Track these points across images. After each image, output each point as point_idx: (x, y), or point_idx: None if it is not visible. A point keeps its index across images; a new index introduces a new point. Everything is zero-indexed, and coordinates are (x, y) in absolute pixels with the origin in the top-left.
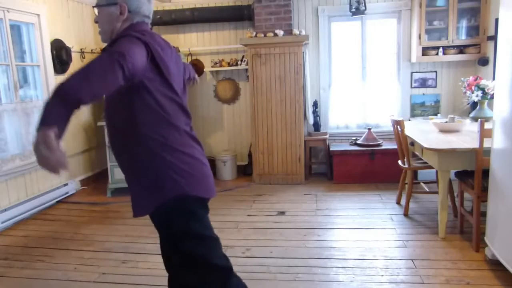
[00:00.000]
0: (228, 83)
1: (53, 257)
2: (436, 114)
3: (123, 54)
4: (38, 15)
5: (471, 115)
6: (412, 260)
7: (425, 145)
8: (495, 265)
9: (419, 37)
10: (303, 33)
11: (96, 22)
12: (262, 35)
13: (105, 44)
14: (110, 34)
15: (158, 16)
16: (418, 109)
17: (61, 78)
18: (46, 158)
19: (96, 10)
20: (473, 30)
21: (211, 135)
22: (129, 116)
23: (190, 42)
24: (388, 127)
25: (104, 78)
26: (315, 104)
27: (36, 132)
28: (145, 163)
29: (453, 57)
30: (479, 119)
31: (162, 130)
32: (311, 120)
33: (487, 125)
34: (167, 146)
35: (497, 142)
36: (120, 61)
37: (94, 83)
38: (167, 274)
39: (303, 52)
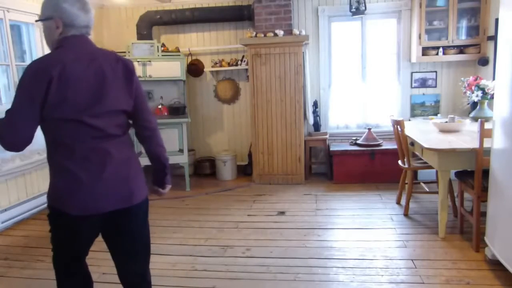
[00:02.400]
0: (228, 83)
1: None
2: (436, 114)
3: None
4: (38, 15)
5: (471, 115)
6: (412, 260)
7: (425, 145)
8: (495, 265)
9: (419, 37)
10: (303, 33)
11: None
12: (262, 35)
13: (103, 45)
14: (51, 45)
15: (158, 16)
16: (418, 109)
17: None
18: None
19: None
20: (473, 30)
21: (211, 135)
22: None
23: (190, 42)
24: (388, 127)
25: None
26: (315, 104)
27: None
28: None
29: (453, 57)
30: (479, 119)
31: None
32: (311, 120)
33: (487, 125)
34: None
35: (497, 142)
36: None
37: None
38: (167, 274)
39: (303, 52)
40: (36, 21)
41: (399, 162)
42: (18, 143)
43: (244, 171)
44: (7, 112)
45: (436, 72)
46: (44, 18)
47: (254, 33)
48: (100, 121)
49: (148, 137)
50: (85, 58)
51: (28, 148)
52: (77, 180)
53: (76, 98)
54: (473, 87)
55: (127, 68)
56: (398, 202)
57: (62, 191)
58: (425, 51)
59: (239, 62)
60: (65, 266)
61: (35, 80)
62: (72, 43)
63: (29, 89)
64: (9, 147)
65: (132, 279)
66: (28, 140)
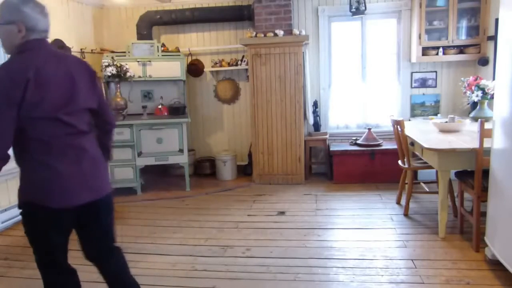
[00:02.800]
0: (228, 83)
1: None
2: (436, 114)
3: None
4: None
5: (471, 115)
6: (412, 260)
7: (425, 145)
8: (495, 265)
9: (419, 37)
10: (303, 33)
11: None
12: (262, 35)
13: (103, 45)
14: (11, 49)
15: (158, 16)
16: (418, 109)
17: None
18: None
19: None
20: (473, 30)
21: (211, 135)
22: None
23: (190, 42)
24: (388, 127)
25: None
26: (315, 104)
27: None
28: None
29: (453, 57)
30: (479, 119)
31: None
32: (311, 120)
33: (487, 125)
34: None
35: (497, 142)
36: None
37: None
38: (167, 274)
39: (303, 52)
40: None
41: (399, 162)
42: (5, 149)
43: (244, 171)
44: None
45: (436, 72)
46: (5, 22)
47: (254, 33)
48: (73, 118)
49: (109, 131)
50: (53, 61)
51: None
52: (57, 174)
53: (52, 97)
54: (473, 87)
55: (90, 70)
56: (398, 202)
57: (42, 185)
58: (425, 51)
59: (239, 62)
60: (51, 263)
61: (12, 84)
62: (37, 46)
63: (6, 93)
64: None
65: (100, 253)
66: (11, 143)
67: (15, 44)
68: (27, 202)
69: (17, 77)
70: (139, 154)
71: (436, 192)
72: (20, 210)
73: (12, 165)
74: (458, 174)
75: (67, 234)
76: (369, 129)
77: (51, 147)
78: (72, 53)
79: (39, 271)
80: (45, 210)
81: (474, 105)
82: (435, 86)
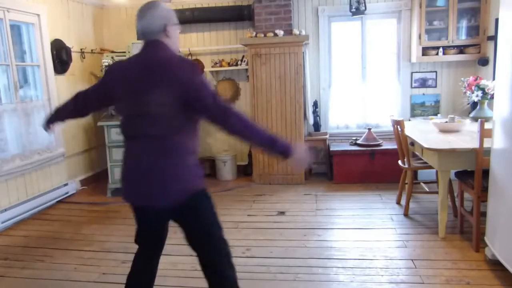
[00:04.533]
0: (228, 83)
1: (53, 257)
2: (436, 114)
3: None
4: (38, 15)
5: (471, 115)
6: (412, 260)
7: (425, 145)
8: (495, 265)
9: (419, 37)
10: (303, 33)
11: None
12: (262, 35)
13: (103, 45)
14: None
15: None
16: (418, 109)
17: (61, 78)
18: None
19: None
20: (473, 30)
21: (211, 135)
22: None
23: (190, 42)
24: (388, 127)
25: None
26: (315, 104)
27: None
28: None
29: (453, 57)
30: (479, 119)
31: None
32: (311, 120)
33: (487, 125)
34: None
35: (497, 142)
36: None
37: None
38: (167, 274)
39: (303, 52)
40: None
41: (399, 162)
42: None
43: (244, 171)
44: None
45: (436, 72)
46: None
47: (254, 33)
48: (142, 119)
49: (222, 124)
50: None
51: (28, 148)
52: (128, 171)
53: (126, 95)
54: (473, 87)
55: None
56: (398, 202)
57: (121, 179)
58: (425, 51)
59: (239, 62)
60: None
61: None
62: (137, 53)
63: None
64: None
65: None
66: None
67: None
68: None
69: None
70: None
71: (436, 192)
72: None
73: (12, 165)
74: (458, 174)
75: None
76: (369, 129)
77: (129, 142)
78: (72, 53)
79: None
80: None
81: (474, 105)
82: (435, 86)
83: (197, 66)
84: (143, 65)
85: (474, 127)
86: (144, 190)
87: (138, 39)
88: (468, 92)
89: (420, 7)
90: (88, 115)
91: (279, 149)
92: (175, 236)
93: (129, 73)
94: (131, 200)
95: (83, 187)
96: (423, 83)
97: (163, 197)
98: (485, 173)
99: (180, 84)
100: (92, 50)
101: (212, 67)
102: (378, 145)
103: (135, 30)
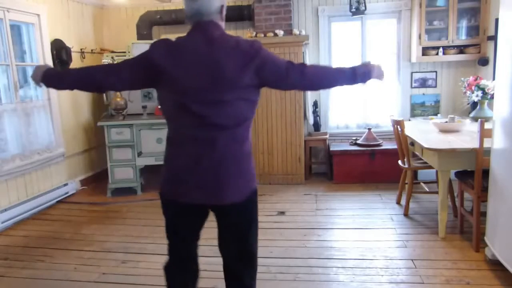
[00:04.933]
0: None
1: (53, 257)
2: (436, 114)
3: None
4: (38, 15)
5: (471, 115)
6: (412, 260)
7: (425, 145)
8: (495, 265)
9: (419, 37)
10: (303, 33)
11: None
12: (262, 35)
13: (103, 45)
14: None
15: (158, 16)
16: (418, 109)
17: None
18: None
19: None
20: (473, 30)
21: None
22: None
23: None
24: (388, 127)
25: None
26: (315, 104)
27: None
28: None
29: (453, 57)
30: (479, 119)
31: None
32: (311, 120)
33: (487, 125)
34: None
35: (497, 142)
36: None
37: None
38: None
39: (303, 52)
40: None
41: (399, 162)
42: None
43: None
44: None
45: (436, 72)
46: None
47: (254, 33)
48: (204, 108)
49: (302, 81)
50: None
51: (28, 148)
52: (176, 169)
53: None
54: (473, 87)
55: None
56: (398, 202)
57: (166, 177)
58: (425, 51)
59: None
60: (169, 256)
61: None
62: (188, 34)
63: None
64: None
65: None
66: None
67: None
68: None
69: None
70: (139, 154)
71: (436, 192)
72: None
73: (12, 165)
74: (458, 174)
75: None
76: (369, 129)
77: (182, 139)
78: (72, 53)
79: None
80: (167, 201)
81: (474, 105)
82: (435, 86)
83: (258, 41)
84: (208, 47)
85: (474, 127)
86: (209, 188)
87: (188, 20)
88: (468, 92)
89: (420, 7)
90: (103, 92)
91: (361, 81)
92: None
93: (191, 56)
94: (187, 198)
95: (83, 187)
96: (423, 83)
97: (233, 193)
98: (485, 173)
99: (255, 61)
100: (92, 50)
101: None
102: (378, 145)
103: (186, 10)
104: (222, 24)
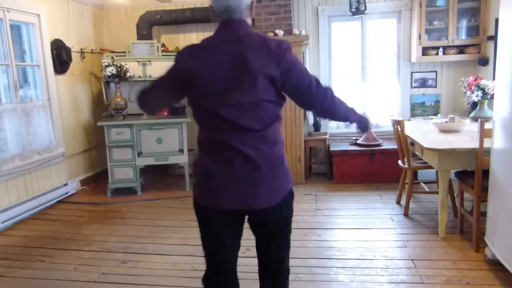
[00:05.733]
0: None
1: (53, 257)
2: (436, 114)
3: None
4: (38, 15)
5: (471, 115)
6: (412, 260)
7: (425, 145)
8: (495, 265)
9: (419, 37)
10: (303, 33)
11: None
12: None
13: (103, 45)
14: None
15: (158, 16)
16: (418, 109)
17: (61, 78)
18: None
19: None
20: (473, 30)
21: None
22: None
23: (190, 42)
24: (388, 127)
25: None
26: None
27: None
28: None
29: (453, 57)
30: (479, 119)
31: None
32: (311, 120)
33: (487, 125)
34: None
35: (497, 142)
36: None
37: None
38: (167, 274)
39: (303, 52)
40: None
41: (399, 162)
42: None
43: None
44: None
45: (436, 72)
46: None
47: None
48: (233, 112)
49: (322, 111)
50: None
51: (28, 148)
52: (210, 176)
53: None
54: (473, 87)
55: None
56: (398, 202)
57: (199, 183)
58: (425, 51)
59: None
60: (210, 276)
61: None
62: (220, 31)
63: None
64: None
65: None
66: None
67: None
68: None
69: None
70: (139, 154)
71: (436, 192)
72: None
73: (12, 165)
74: (458, 174)
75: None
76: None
77: (212, 144)
78: (72, 53)
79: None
80: (202, 209)
81: (474, 105)
82: (435, 86)
83: (287, 42)
84: (235, 45)
85: (474, 127)
86: (242, 192)
87: (215, 17)
88: (468, 92)
89: (420, 7)
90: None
91: (352, 123)
92: (174, 236)
93: (217, 57)
94: (220, 204)
95: (83, 187)
96: (423, 83)
97: (266, 197)
98: (485, 173)
99: (281, 61)
100: (92, 50)
101: None
102: (378, 145)
103: (214, 7)
104: (250, 21)
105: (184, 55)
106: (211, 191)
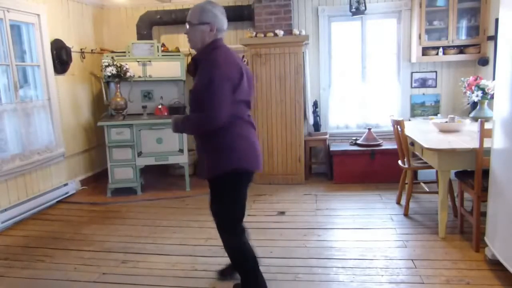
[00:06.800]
0: None
1: (53, 257)
2: (436, 114)
3: None
4: (38, 15)
5: (471, 115)
6: (412, 260)
7: (425, 145)
8: (495, 265)
9: (419, 37)
10: (303, 33)
11: (186, 33)
12: (262, 35)
13: (103, 45)
14: (200, 45)
15: (158, 16)
16: (418, 109)
17: (61, 78)
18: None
19: (187, 25)
20: (473, 30)
21: None
22: None
23: None
24: (388, 127)
25: None
26: (315, 104)
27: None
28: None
29: (453, 57)
30: (479, 119)
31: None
32: (311, 120)
33: (487, 125)
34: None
35: (497, 142)
36: None
37: None
38: (167, 274)
39: (303, 52)
40: (192, 25)
41: (399, 162)
42: (222, 118)
43: None
44: (210, 100)
45: (436, 72)
46: (199, 22)
47: (254, 33)
48: (250, 104)
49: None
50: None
51: (28, 148)
52: (255, 144)
53: (246, 86)
54: (473, 87)
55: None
56: (398, 202)
57: (246, 152)
58: (425, 51)
59: None
60: (239, 226)
61: (235, 72)
62: (224, 45)
63: (232, 79)
64: (214, 122)
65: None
66: (228, 116)
67: (205, 41)
68: (234, 169)
69: (238, 68)
70: (139, 154)
71: (436, 192)
72: (221, 179)
73: (12, 165)
74: (458, 174)
75: None
76: (369, 129)
77: (250, 124)
78: (72, 53)
79: (229, 240)
80: (248, 173)
81: (474, 105)
82: (435, 86)
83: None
84: (240, 60)
85: (474, 127)
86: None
87: (218, 33)
88: (468, 92)
89: (420, 7)
90: None
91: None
92: (174, 236)
93: (242, 65)
94: (259, 167)
95: (83, 187)
96: (423, 83)
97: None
98: (485, 173)
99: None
100: (92, 50)
101: None
102: (378, 145)
103: (218, 25)
104: None
105: (231, 61)
106: (257, 156)
